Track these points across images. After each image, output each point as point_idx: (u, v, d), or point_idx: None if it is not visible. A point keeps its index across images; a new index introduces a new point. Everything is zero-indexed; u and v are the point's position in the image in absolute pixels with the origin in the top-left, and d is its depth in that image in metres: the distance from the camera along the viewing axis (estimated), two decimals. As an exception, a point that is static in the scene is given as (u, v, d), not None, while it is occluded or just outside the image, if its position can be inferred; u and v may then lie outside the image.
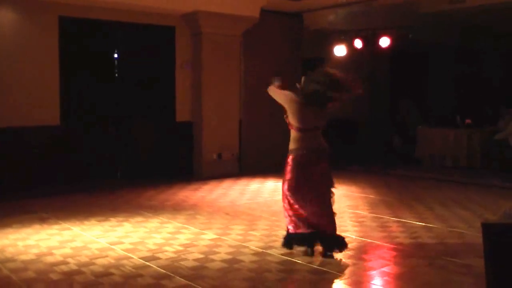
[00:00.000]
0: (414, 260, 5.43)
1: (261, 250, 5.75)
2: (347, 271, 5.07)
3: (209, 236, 6.36)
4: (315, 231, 5.45)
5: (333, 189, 5.58)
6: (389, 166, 11.95)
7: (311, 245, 5.50)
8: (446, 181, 10.52)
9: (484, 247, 1.84)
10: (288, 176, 5.51)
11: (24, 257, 5.50)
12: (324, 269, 5.12)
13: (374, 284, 4.77)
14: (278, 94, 5.74)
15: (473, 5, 11.73)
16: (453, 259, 5.45)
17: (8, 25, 9.10)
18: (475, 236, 6.08)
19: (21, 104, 9.21)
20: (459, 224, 6.94)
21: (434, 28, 13.77)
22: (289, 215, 5.55)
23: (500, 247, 1.83)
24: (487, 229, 1.84)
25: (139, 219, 7.23)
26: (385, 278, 4.90)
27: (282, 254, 5.56)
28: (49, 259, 5.43)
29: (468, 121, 12.30)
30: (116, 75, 10.50)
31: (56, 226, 6.77)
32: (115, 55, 10.46)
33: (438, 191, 9.41)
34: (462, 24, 13.96)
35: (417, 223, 6.97)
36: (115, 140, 10.44)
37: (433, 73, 16.03)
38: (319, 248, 5.53)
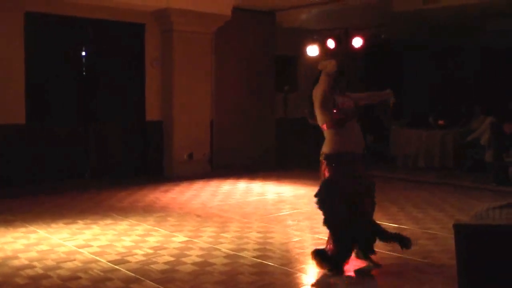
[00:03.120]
0: (387, 261, 5.49)
1: (233, 252, 5.76)
2: (320, 273, 5.10)
3: (179, 238, 6.34)
4: None
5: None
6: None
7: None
8: (419, 181, 10.64)
9: (456, 248, 1.88)
10: None
11: (-12, 261, 5.43)
12: (297, 271, 5.15)
13: (349, 286, 4.80)
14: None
15: (447, 5, 11.92)
16: (426, 260, 5.53)
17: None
18: (448, 237, 6.16)
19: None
20: (432, 225, 7.04)
21: (408, 27, 13.95)
22: None
23: (472, 248, 1.87)
24: (459, 230, 1.88)
25: (108, 221, 7.17)
26: (358, 279, 4.94)
27: (254, 257, 5.58)
28: (15, 262, 5.36)
29: (441, 122, 12.47)
30: (84, 73, 10.43)
31: (22, 229, 6.68)
32: (83, 53, 10.38)
33: (411, 192, 9.51)
34: (435, 23, 14.17)
35: (391, 224, 7.03)
36: (83, 139, 10.36)
37: (407, 72, 16.20)
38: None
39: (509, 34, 14.92)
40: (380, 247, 5.97)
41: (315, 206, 5.16)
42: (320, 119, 5.11)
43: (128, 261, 5.43)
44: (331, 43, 12.27)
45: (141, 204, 8.38)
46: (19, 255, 5.63)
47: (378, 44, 12.95)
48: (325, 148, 5.08)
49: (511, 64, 16.22)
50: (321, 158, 5.10)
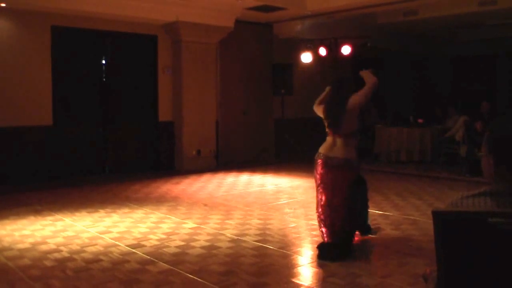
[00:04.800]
0: (373, 244, 5.49)
1: (236, 237, 5.76)
2: (313, 255, 5.10)
3: (189, 225, 6.34)
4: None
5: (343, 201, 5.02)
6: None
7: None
8: (401, 174, 10.63)
9: (434, 232, 1.88)
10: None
11: (20, 246, 5.43)
12: (293, 253, 5.15)
13: (338, 266, 4.80)
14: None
15: (425, 17, 11.96)
16: (407, 243, 5.53)
17: (5, 34, 8.99)
18: (427, 222, 6.17)
19: (18, 106, 9.12)
20: (412, 212, 7.03)
21: (390, 37, 13.96)
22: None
23: (448, 232, 1.88)
24: (437, 216, 1.88)
25: (126, 210, 7.18)
26: (348, 260, 4.94)
27: (255, 241, 5.58)
28: (43, 247, 5.37)
29: (420, 120, 12.46)
30: (104, 79, 10.41)
31: (49, 217, 6.69)
32: (103, 61, 10.37)
33: (394, 183, 9.50)
34: (415, 33, 14.19)
35: (376, 211, 7.03)
36: (102, 138, 10.36)
37: (389, 77, 16.18)
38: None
39: (477, 44, 14.98)
40: (366, 232, 5.97)
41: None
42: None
43: (143, 245, 5.44)
44: (322, 51, 12.28)
45: (155, 195, 8.38)
46: (47, 240, 5.64)
47: (365, 52, 12.93)
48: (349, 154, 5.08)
49: (478, 70, 16.29)
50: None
